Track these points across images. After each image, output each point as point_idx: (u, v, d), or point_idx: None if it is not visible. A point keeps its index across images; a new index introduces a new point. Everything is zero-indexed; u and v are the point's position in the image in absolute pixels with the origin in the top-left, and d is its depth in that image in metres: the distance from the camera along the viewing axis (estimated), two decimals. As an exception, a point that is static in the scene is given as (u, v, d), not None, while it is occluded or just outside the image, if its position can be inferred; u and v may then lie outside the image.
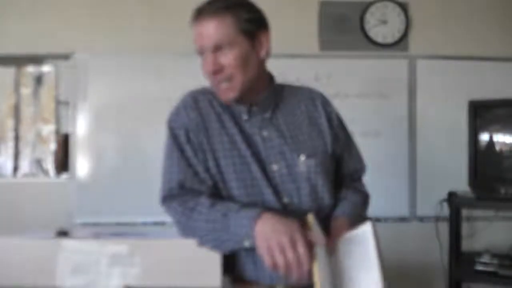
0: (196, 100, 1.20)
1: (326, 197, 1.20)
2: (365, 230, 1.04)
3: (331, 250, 1.06)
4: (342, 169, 1.31)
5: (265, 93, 1.20)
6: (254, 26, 1.15)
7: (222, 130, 1.16)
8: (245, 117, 1.19)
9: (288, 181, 1.15)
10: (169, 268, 1.11)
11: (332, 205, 1.21)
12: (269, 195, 1.12)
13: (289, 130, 1.20)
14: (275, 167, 1.15)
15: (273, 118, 1.21)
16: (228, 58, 1.11)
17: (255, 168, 1.13)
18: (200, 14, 1.13)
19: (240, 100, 1.17)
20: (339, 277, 1.00)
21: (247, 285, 1.15)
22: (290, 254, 0.95)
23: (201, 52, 1.14)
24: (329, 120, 1.27)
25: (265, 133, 1.18)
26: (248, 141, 1.16)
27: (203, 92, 1.23)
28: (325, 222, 1.17)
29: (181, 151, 1.15)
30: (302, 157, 1.17)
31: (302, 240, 0.97)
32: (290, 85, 1.32)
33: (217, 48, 1.11)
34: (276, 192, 1.14)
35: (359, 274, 0.98)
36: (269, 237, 0.98)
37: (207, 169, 1.14)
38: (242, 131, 1.17)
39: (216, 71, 1.12)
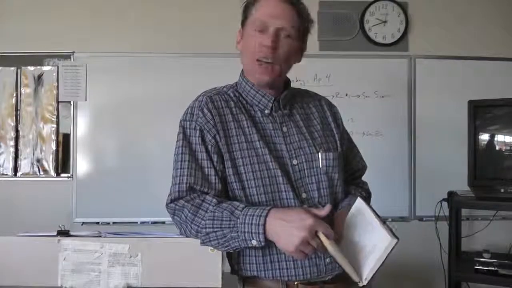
0: (212, 100, 1.19)
1: (340, 191, 1.24)
2: (357, 203, 1.13)
3: (339, 238, 1.09)
4: (346, 167, 1.34)
5: (285, 91, 1.25)
6: (304, 33, 1.24)
7: (239, 130, 1.17)
8: (267, 110, 1.21)
9: (307, 175, 1.18)
10: (169, 267, 1.11)
11: (343, 199, 1.25)
12: (288, 192, 1.14)
13: (306, 127, 1.24)
14: (295, 161, 1.18)
15: (291, 114, 1.25)
16: (284, 45, 1.17)
17: (273, 166, 1.14)
18: None
19: (270, 90, 1.21)
20: (350, 249, 1.07)
21: (262, 283, 1.15)
22: (314, 243, 1.00)
23: (263, 26, 1.16)
24: (335, 120, 1.32)
25: (284, 129, 1.21)
26: (266, 139, 1.18)
27: (218, 92, 1.24)
28: None
29: (193, 152, 1.15)
30: (321, 152, 1.20)
31: (321, 225, 1.00)
32: (297, 88, 1.36)
33: (281, 31, 1.16)
34: (295, 187, 1.15)
35: (365, 238, 1.05)
36: (288, 232, 1.00)
37: (221, 171, 1.14)
38: (259, 129, 1.18)
39: (272, 48, 1.15)
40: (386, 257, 0.99)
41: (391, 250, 0.99)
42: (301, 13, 1.20)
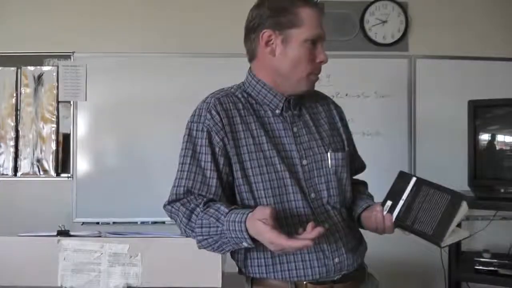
0: (220, 102, 1.17)
1: (349, 190, 1.25)
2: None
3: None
4: (351, 166, 1.34)
5: None
6: None
7: (247, 132, 1.16)
8: (278, 110, 1.21)
9: (317, 175, 1.18)
10: (169, 267, 1.11)
11: (351, 198, 1.27)
12: (296, 194, 1.14)
13: (315, 127, 1.25)
14: (304, 162, 1.18)
15: (300, 115, 1.25)
16: None
17: (281, 168, 1.14)
18: (322, 10, 1.21)
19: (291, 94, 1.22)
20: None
21: (270, 283, 1.15)
22: (288, 249, 0.98)
23: (318, 39, 1.17)
24: (341, 120, 1.34)
25: (295, 129, 1.21)
26: (274, 140, 1.17)
27: (226, 94, 1.22)
28: (348, 215, 1.24)
29: (197, 154, 1.14)
30: (330, 152, 1.21)
31: (271, 233, 0.96)
32: None
33: None
34: (304, 188, 1.16)
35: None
36: (265, 243, 1.00)
37: (226, 174, 1.14)
38: (267, 131, 1.18)
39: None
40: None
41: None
42: None
